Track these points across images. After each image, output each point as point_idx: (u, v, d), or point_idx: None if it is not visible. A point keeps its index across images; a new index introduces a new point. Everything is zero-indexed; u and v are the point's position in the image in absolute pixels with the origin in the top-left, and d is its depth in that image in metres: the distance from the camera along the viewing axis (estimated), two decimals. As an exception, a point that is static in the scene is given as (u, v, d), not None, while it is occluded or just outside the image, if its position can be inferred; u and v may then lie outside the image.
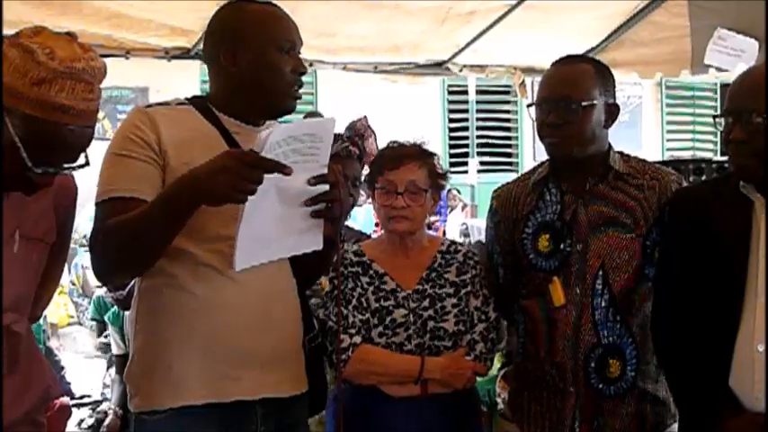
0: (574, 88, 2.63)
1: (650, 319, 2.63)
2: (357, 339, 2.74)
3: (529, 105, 2.76)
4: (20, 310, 2.33)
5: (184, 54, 6.00)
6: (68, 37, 2.16)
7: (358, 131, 3.30)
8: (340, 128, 3.57)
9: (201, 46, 5.74)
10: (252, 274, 2.22)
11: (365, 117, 3.44)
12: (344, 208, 2.30)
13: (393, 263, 2.84)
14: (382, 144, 3.18)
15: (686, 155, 12.28)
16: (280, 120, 2.42)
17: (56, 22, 5.26)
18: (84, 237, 9.67)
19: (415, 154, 2.82)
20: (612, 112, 2.70)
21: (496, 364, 4.07)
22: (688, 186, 2.75)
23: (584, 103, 2.61)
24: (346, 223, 3.48)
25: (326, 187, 2.21)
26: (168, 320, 2.31)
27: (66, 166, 2.21)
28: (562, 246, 2.66)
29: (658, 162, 4.80)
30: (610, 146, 2.73)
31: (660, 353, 2.61)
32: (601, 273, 2.63)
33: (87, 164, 2.23)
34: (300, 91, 2.40)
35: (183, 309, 2.29)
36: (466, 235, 8.22)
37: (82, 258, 9.17)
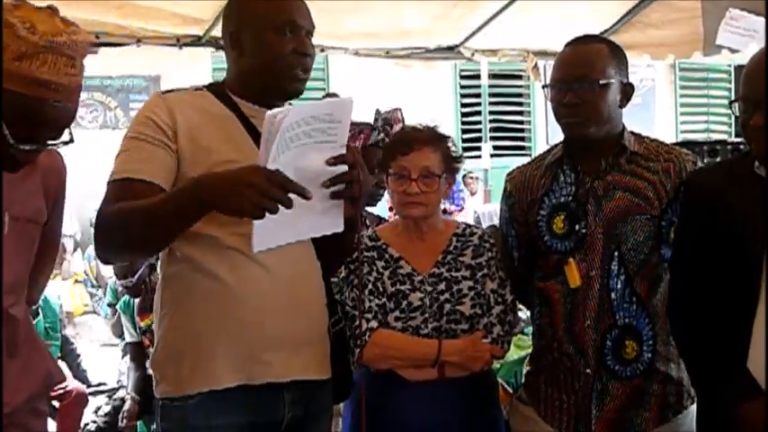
0: (590, 67, 2.62)
1: (666, 302, 2.62)
2: (374, 324, 2.73)
3: (544, 86, 2.74)
4: (16, 293, 2.31)
5: (196, 42, 5.98)
6: (49, 11, 2.10)
7: (391, 122, 3.31)
8: (369, 116, 3.56)
9: (212, 33, 5.81)
10: (277, 257, 2.22)
11: (399, 109, 3.46)
12: (364, 188, 2.27)
13: (408, 247, 2.83)
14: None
15: (700, 137, 12.27)
16: (295, 102, 2.41)
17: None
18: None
19: (429, 138, 2.80)
20: (627, 91, 2.69)
21: (526, 346, 4.06)
22: (703, 167, 2.73)
23: (601, 82, 2.60)
24: (370, 211, 3.48)
25: (345, 168, 2.19)
26: (195, 306, 2.31)
27: (50, 143, 2.17)
28: (577, 227, 2.65)
29: (673, 144, 4.80)
30: (624, 126, 2.72)
31: (676, 335, 2.60)
32: (616, 254, 2.62)
33: (71, 140, 2.18)
34: (312, 77, 2.38)
35: (210, 293, 2.29)
36: (478, 223, 8.20)
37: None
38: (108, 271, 8.43)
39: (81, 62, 2.14)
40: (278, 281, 2.31)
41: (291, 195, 2.00)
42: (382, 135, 3.33)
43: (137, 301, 5.11)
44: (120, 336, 5.93)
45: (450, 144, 2.85)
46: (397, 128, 3.42)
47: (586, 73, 2.61)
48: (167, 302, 2.37)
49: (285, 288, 2.33)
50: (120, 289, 5.68)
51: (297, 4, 2.38)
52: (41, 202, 2.36)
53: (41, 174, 2.34)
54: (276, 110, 1.99)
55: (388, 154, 2.83)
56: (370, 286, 2.77)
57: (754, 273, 2.34)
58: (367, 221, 3.19)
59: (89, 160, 10.14)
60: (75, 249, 9.49)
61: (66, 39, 2.07)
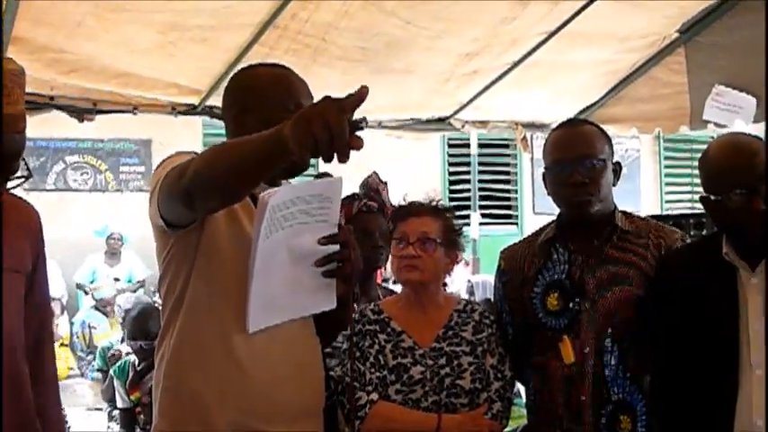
0: (591, 147, 2.70)
1: (649, 385, 2.67)
2: (374, 396, 2.74)
3: (546, 168, 2.78)
4: (18, 347, 2.26)
5: (191, 110, 6.06)
6: None
7: (372, 187, 3.36)
8: (353, 186, 3.60)
9: (207, 103, 5.89)
10: (283, 331, 2.26)
11: (375, 173, 3.51)
12: (356, 266, 2.32)
13: (410, 320, 2.85)
14: (392, 196, 3.24)
15: (685, 206, 12.36)
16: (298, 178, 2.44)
17: (66, 79, 5.36)
18: (84, 285, 9.67)
19: (429, 208, 2.87)
20: (617, 170, 2.77)
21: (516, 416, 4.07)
22: (676, 249, 2.75)
23: (603, 160, 2.68)
24: (385, 285, 3.51)
25: (338, 247, 2.24)
26: (202, 377, 2.28)
27: (9, 179, 2.15)
28: (571, 304, 2.69)
29: (658, 216, 4.86)
30: (615, 206, 2.79)
31: (658, 413, 2.64)
32: (610, 330, 2.66)
33: (30, 175, 2.18)
34: None
35: (219, 366, 2.27)
36: (471, 293, 8.18)
37: (89, 316, 9.19)
38: (100, 339, 8.43)
39: (18, 91, 2.13)
40: (286, 353, 2.32)
41: (285, 277, 2.07)
42: (365, 200, 3.37)
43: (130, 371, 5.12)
44: (110, 401, 5.89)
45: (451, 217, 2.90)
46: (383, 191, 3.45)
47: (589, 152, 2.68)
48: (172, 374, 2.33)
49: (293, 360, 2.34)
50: (113, 353, 5.66)
51: (300, 85, 2.44)
52: (22, 251, 2.33)
53: (15, 222, 2.30)
54: (269, 192, 2.01)
55: (393, 223, 2.90)
56: (371, 359, 2.80)
57: (731, 361, 2.41)
58: (380, 295, 3.24)
59: (78, 222, 10.19)
60: (62, 312, 9.45)
61: None
